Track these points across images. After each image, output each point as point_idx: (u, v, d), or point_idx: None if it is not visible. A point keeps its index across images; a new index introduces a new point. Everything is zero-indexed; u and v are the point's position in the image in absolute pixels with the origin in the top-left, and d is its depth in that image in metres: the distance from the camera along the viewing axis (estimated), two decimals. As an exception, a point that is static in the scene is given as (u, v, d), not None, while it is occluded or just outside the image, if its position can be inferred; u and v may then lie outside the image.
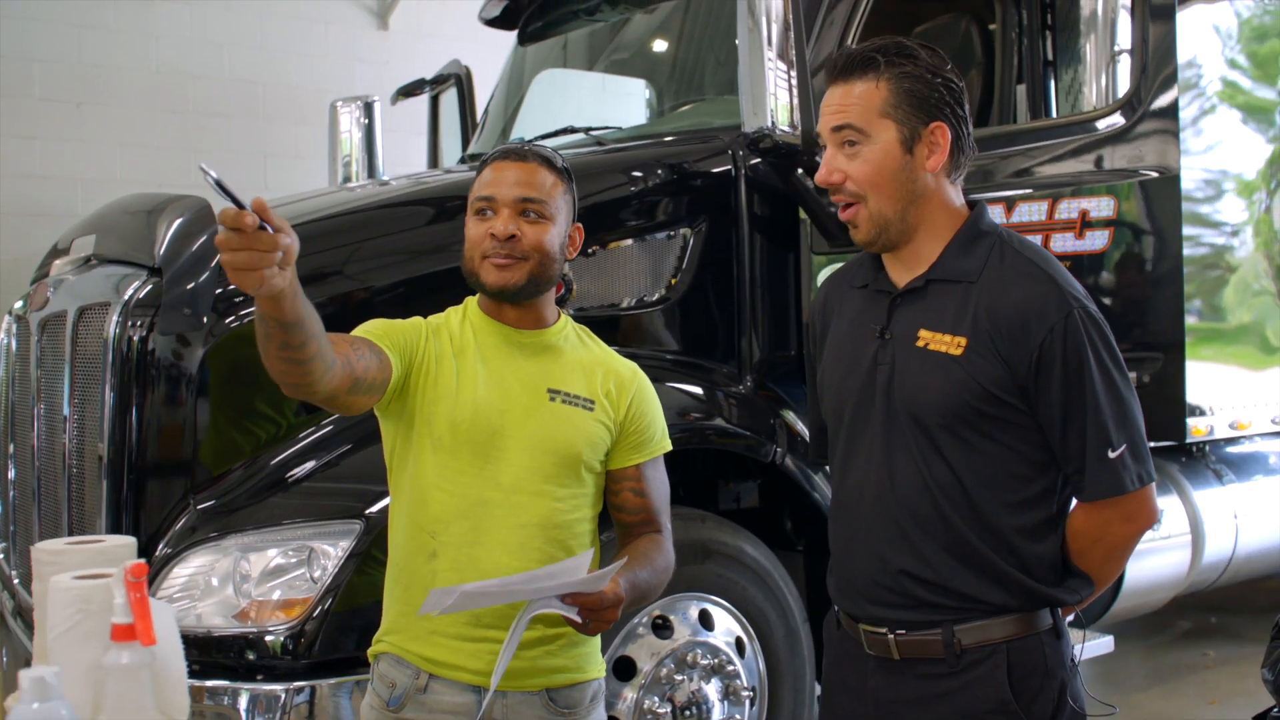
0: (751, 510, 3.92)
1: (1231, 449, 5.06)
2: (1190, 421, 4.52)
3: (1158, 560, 4.66)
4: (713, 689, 3.43)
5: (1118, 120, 4.17)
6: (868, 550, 2.12)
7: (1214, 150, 4.65)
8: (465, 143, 5.52)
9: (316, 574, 2.98)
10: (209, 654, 2.93)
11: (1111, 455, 2.00)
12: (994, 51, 4.43)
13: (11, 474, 3.91)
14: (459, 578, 2.10)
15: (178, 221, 3.26)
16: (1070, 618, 2.21)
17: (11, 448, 3.92)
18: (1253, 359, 4.88)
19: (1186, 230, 4.38)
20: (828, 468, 3.64)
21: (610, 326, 3.64)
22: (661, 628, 3.40)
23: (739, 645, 3.53)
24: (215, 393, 3.25)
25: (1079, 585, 2.10)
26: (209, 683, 2.92)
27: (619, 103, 5.07)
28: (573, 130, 4.43)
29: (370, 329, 2.21)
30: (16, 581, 3.77)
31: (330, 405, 2.10)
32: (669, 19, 4.75)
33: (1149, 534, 2.21)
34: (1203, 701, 5.14)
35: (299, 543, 3.02)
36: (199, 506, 3.16)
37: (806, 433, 3.76)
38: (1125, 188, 4.21)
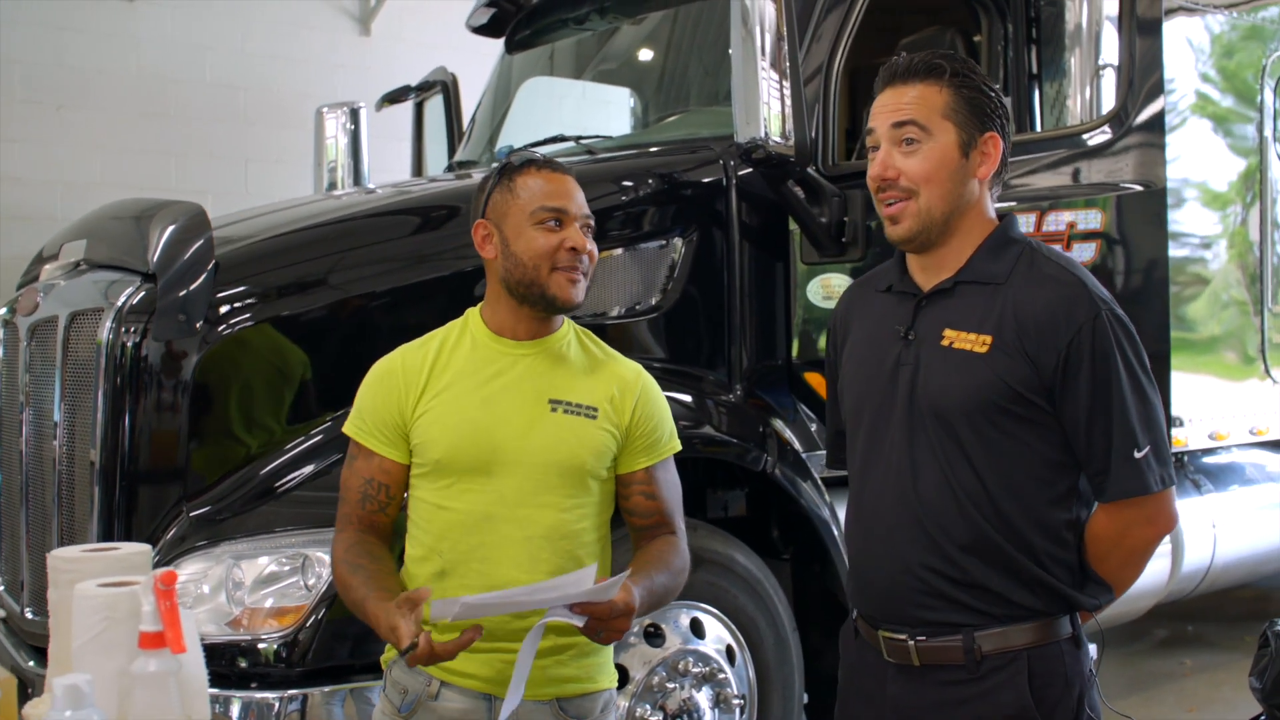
0: (738, 519, 3.94)
1: (1209, 459, 5.09)
2: (1171, 432, 4.55)
3: (1139, 569, 4.70)
4: (704, 697, 3.44)
5: (1105, 134, 4.21)
6: (889, 550, 2.14)
7: (1191, 163, 4.69)
8: (451, 150, 5.51)
9: (310, 582, 2.98)
10: (202, 662, 2.93)
11: (1137, 455, 2.03)
12: (979, 64, 4.46)
13: (-3, 480, 3.88)
14: (470, 594, 2.09)
15: (171, 227, 3.24)
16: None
17: (-3, 454, 3.89)
18: (1231, 370, 4.92)
19: (1170, 243, 4.43)
20: (825, 475, 3.75)
21: (600, 335, 3.62)
22: (653, 636, 3.41)
23: (729, 653, 3.54)
24: (208, 400, 3.24)
25: (1098, 591, 2.13)
26: (202, 690, 2.91)
27: (606, 112, 5.08)
28: (563, 139, 4.44)
29: (359, 439, 2.28)
30: (2, 589, 3.75)
31: None
32: (657, 29, 4.77)
33: None
34: (1181, 709, 5.19)
35: (292, 550, 3.02)
36: (192, 514, 3.15)
37: (795, 440, 3.80)
38: (1112, 200, 4.25)
